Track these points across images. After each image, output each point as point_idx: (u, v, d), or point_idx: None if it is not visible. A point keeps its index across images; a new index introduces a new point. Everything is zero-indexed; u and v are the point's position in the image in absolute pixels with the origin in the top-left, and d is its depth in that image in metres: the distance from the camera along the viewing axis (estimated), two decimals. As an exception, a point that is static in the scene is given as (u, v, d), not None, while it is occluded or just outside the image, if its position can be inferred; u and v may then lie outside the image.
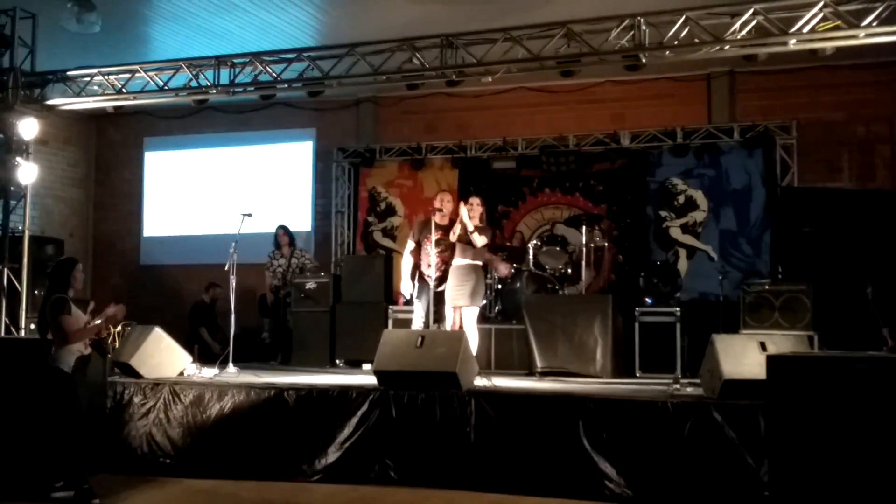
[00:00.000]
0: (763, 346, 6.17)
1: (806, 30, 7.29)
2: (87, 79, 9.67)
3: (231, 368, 8.19)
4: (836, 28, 7.25)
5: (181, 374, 7.86)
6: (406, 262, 8.57)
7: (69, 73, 9.65)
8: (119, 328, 8.77)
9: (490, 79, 8.59)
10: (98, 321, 6.18)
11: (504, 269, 9.40)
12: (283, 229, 10.86)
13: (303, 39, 9.75)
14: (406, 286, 8.52)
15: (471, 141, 11.37)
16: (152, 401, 7.26)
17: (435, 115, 11.72)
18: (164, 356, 7.82)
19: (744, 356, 6.17)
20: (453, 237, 8.09)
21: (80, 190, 13.37)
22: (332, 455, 6.68)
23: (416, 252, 8.46)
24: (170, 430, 7.12)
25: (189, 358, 8.08)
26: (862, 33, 7.17)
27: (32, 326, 8.69)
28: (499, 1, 8.56)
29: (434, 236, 8.15)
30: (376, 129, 12.21)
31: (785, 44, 7.42)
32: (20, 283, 8.99)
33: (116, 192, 13.47)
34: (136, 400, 7.31)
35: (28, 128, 9.18)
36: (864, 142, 10.18)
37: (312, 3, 8.99)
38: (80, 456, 6.11)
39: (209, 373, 7.98)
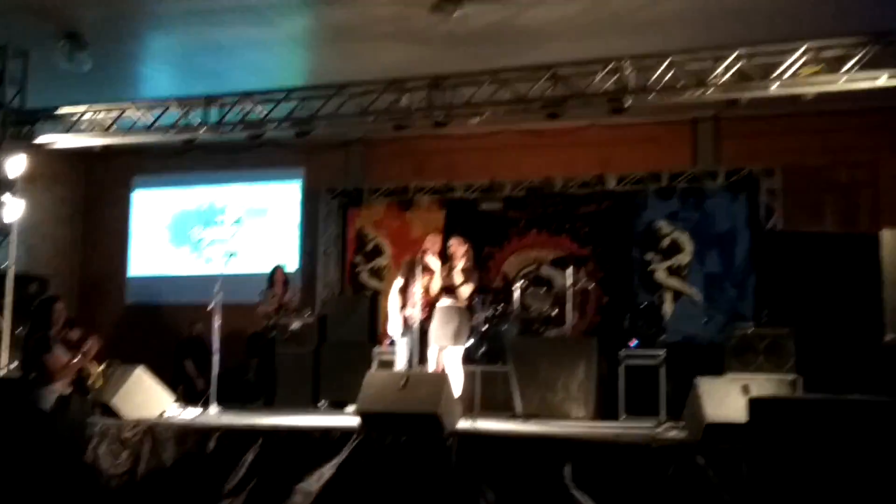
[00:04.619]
0: (746, 389, 6.15)
1: (787, 75, 7.40)
2: (77, 116, 9.72)
3: (213, 409, 8.12)
4: (818, 74, 7.36)
5: (162, 414, 7.79)
6: (393, 303, 8.56)
7: (58, 110, 9.69)
8: (102, 367, 8.73)
9: (477, 120, 8.68)
10: (77, 359, 6.15)
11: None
12: (281, 268, 10.84)
13: (292, 79, 9.81)
14: (394, 327, 8.50)
15: (458, 182, 11.42)
16: (132, 441, 7.17)
17: (423, 156, 11.78)
18: (145, 396, 7.74)
19: (727, 399, 6.15)
20: (434, 290, 8.11)
21: (66, 228, 13.34)
22: (314, 497, 6.60)
23: (404, 292, 8.46)
24: (150, 471, 7.03)
25: (171, 398, 8.01)
26: (842, 79, 7.30)
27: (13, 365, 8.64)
28: (486, 44, 8.66)
29: (422, 278, 8.17)
30: (364, 170, 12.25)
31: (767, 88, 7.53)
32: (3, 321, 8.94)
33: (103, 230, 13.44)
34: (116, 440, 7.22)
35: (16, 165, 9.20)
36: (847, 186, 10.27)
37: (301, 43, 9.09)
38: (58, 496, 6.04)
39: (191, 413, 7.91)
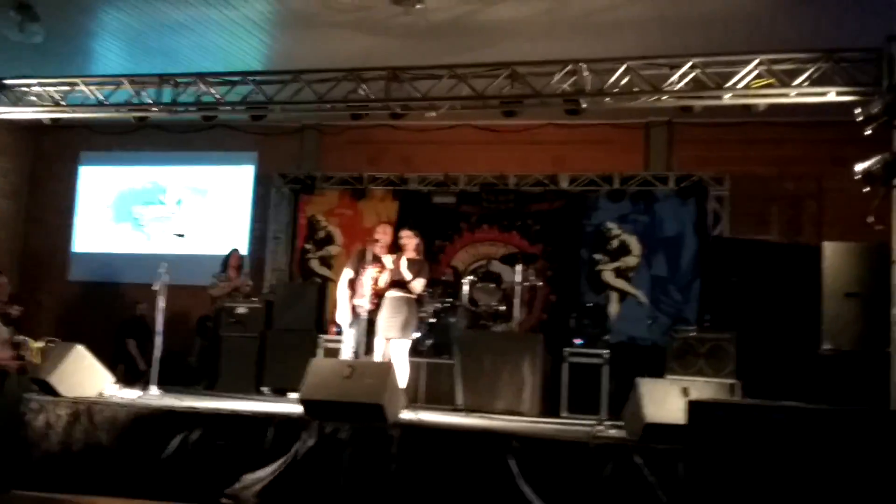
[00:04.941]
0: (685, 392, 6.26)
1: (740, 85, 7.53)
2: (26, 89, 9.51)
3: (153, 390, 8.03)
4: (769, 86, 7.51)
5: (101, 394, 7.68)
6: (342, 292, 8.54)
7: (6, 81, 9.47)
8: (41, 344, 8.59)
9: (434, 114, 8.67)
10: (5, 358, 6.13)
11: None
12: (238, 252, 10.72)
13: (249, 63, 9.71)
14: (342, 316, 8.48)
15: (413, 174, 11.42)
16: (69, 420, 7.06)
17: (378, 146, 11.75)
18: (84, 375, 7.62)
19: (666, 400, 6.25)
20: (383, 282, 8.12)
21: (10, 201, 13.05)
22: (254, 483, 6.56)
23: (353, 282, 8.44)
24: (85, 450, 6.94)
25: (111, 378, 7.90)
26: (793, 92, 7.44)
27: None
28: (446, 38, 8.67)
29: (372, 268, 8.16)
30: (319, 157, 12.18)
31: (720, 97, 7.65)
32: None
33: (48, 205, 13.17)
34: (53, 418, 7.10)
35: (-40, 135, 8.99)
36: (793, 197, 10.49)
37: (260, 27, 8.99)
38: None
39: (130, 394, 7.81)
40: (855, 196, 7.22)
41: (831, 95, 7.36)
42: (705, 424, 5.27)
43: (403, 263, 8.08)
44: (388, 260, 8.16)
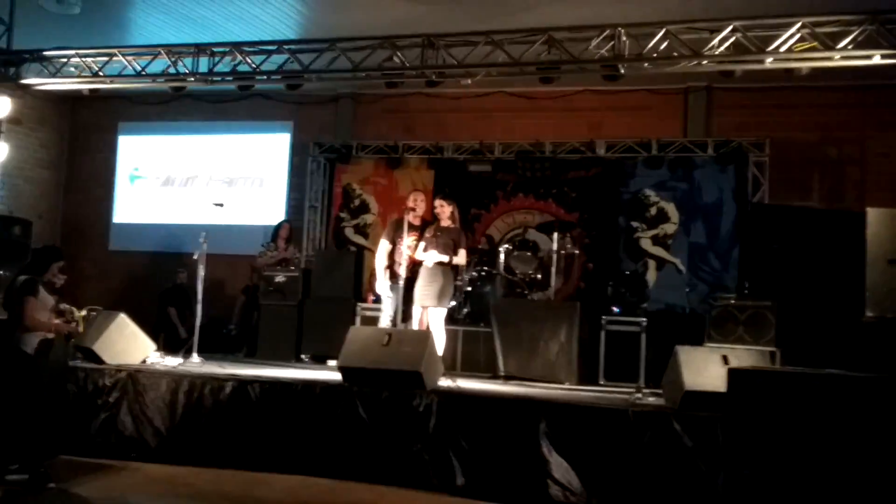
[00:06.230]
0: (725, 360, 6.24)
1: (783, 49, 7.40)
2: (64, 60, 9.60)
3: (195, 358, 8.15)
4: (812, 49, 7.37)
5: (144, 361, 7.81)
6: (380, 262, 8.56)
7: (46, 52, 9.57)
8: (84, 312, 8.71)
9: (470, 81, 8.64)
10: (54, 324, 6.21)
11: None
12: (289, 223, 10.77)
13: (284, 32, 9.72)
14: (381, 286, 8.51)
15: (448, 142, 11.36)
16: (113, 387, 7.21)
17: (413, 114, 11.71)
18: (127, 343, 7.76)
19: (706, 368, 6.23)
20: (420, 256, 8.14)
21: (51, 171, 13.21)
22: (293, 448, 6.67)
23: (391, 252, 8.46)
24: (130, 417, 7.08)
25: (153, 346, 8.03)
26: (837, 56, 7.29)
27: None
28: (482, 4, 8.59)
29: (407, 236, 8.17)
30: (354, 126, 12.17)
31: (761, 62, 7.54)
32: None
33: (88, 175, 13.32)
34: (97, 385, 7.25)
35: (1, 106, 9.09)
36: (835, 163, 10.30)
37: (295, -5, 8.99)
38: (38, 439, 6.06)
39: (172, 362, 7.94)
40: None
41: (876, 59, 7.21)
42: (745, 392, 5.23)
43: (433, 256, 8.06)
44: (431, 255, 8.12)
